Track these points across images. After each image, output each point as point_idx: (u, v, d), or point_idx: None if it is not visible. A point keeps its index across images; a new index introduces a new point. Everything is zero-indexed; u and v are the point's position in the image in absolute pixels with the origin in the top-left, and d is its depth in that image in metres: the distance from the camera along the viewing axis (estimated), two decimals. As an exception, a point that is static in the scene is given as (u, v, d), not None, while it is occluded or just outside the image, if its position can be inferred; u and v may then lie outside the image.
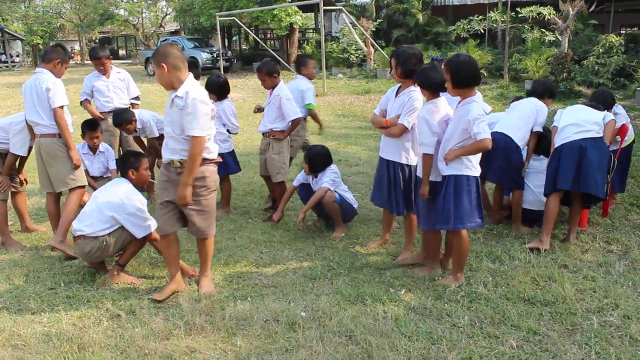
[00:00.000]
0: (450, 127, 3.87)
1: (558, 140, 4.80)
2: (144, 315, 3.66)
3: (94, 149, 5.99)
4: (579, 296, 3.83)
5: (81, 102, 6.50)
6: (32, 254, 4.86)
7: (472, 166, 3.81)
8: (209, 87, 5.71)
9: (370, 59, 20.83)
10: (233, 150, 5.94)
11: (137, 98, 6.65)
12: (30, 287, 4.17)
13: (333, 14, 24.63)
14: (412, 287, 4.02)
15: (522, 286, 3.98)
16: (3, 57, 33.14)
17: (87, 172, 5.98)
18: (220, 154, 5.70)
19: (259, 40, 28.39)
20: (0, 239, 5.13)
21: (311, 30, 32.49)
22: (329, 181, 5.16)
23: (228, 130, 5.81)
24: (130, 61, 40.12)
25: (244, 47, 34.46)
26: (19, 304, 3.90)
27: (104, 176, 6.15)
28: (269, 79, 5.45)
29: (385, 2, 22.11)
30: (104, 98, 6.39)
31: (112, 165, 6.21)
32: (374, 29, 20.42)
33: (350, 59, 21.99)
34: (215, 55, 25.29)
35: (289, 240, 5.08)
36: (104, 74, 6.34)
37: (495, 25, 18.01)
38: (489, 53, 17.56)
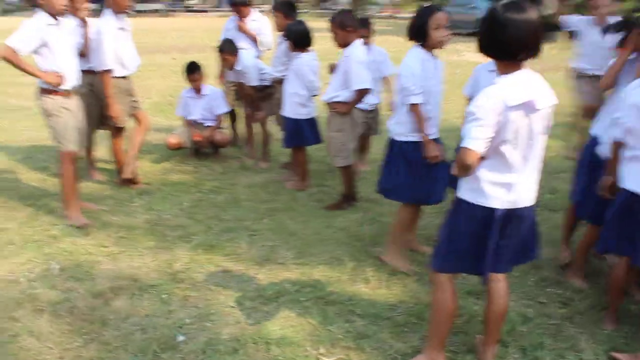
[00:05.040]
0: None
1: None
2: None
3: (197, 90, 5.79)
4: None
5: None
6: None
7: None
8: (287, 34, 4.91)
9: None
10: (313, 117, 5.01)
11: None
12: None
13: None
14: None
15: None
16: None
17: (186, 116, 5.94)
18: (295, 120, 4.90)
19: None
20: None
21: None
22: None
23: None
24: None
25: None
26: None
27: (205, 124, 5.83)
28: (341, 32, 4.33)
29: None
30: None
31: (219, 110, 5.80)
32: None
33: None
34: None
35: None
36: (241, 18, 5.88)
37: None
38: None
